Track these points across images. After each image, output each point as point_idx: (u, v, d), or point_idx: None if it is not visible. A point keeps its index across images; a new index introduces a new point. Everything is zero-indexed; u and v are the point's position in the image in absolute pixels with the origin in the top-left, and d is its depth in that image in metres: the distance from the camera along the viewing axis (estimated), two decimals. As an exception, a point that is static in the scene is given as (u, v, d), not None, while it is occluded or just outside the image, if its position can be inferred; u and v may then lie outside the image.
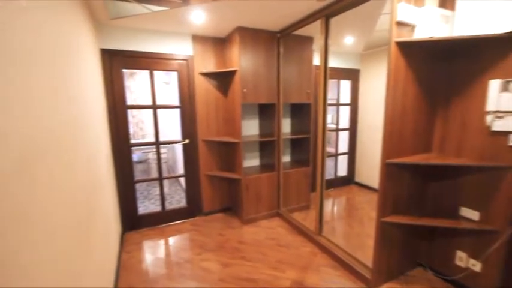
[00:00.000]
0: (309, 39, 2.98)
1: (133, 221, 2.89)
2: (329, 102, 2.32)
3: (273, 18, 2.44)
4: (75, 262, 1.07)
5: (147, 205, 3.58)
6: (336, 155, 3.91)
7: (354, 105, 3.82)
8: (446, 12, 1.71)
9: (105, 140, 2.30)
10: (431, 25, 1.67)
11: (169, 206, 3.36)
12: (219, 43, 3.00)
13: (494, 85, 1.57)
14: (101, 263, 1.57)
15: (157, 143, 2.92)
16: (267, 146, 3.21)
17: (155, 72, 2.76)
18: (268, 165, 3.21)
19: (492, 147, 1.62)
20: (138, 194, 3.02)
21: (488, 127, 1.62)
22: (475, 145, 1.71)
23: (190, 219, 3.15)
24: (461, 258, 1.86)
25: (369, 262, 1.96)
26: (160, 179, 3.03)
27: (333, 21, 2.18)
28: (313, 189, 2.80)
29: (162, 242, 2.69)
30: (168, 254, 2.49)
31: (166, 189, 4.13)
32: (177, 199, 3.80)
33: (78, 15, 1.60)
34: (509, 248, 1.61)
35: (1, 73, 0.63)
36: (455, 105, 1.83)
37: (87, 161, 1.46)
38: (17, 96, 0.70)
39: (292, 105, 3.34)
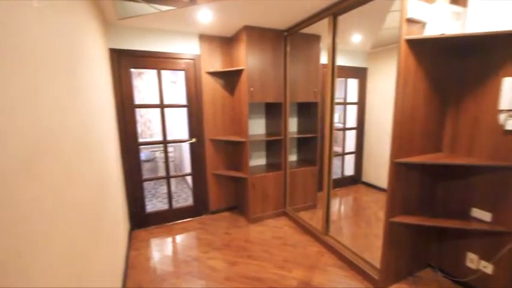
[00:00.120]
0: (316, 38, 2.96)
1: (141, 219, 2.92)
2: (336, 101, 2.30)
3: (280, 17, 2.43)
4: (85, 259, 1.09)
5: (154, 203, 3.61)
6: (342, 154, 3.88)
7: (361, 104, 3.78)
8: (457, 8, 1.67)
9: (114, 139, 2.33)
10: (442, 22, 1.63)
11: (176, 205, 3.39)
12: (225, 42, 3.01)
13: (508, 83, 1.53)
14: (110, 261, 1.59)
15: (165, 142, 2.94)
16: (273, 145, 3.21)
17: (162, 72, 2.78)
18: (275, 164, 3.21)
19: (505, 147, 1.58)
20: (145, 193, 3.05)
21: (502, 126, 1.58)
22: (488, 144, 1.67)
23: (197, 218, 3.17)
24: (472, 260, 1.82)
25: (377, 262, 1.94)
26: (167, 177, 3.06)
27: (341, 19, 2.16)
28: (319, 188, 2.79)
29: (169, 239, 2.72)
30: (175, 251, 2.51)
31: (173, 188, 4.17)
32: (183, 197, 3.83)
33: (88, 16, 1.62)
34: (523, 250, 1.58)
35: (12, 73, 0.65)
36: (466, 104, 1.79)
37: (97, 160, 1.48)
38: (28, 96, 0.72)
39: (299, 104, 3.32)
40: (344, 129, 3.84)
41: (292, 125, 3.33)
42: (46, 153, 0.78)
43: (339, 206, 3.48)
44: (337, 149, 3.78)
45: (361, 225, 2.86)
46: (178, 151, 5.07)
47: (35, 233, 0.67)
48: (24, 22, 0.72)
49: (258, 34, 2.68)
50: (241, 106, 2.87)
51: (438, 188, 2.00)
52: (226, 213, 3.28)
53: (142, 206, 2.92)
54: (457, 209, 1.89)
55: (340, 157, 3.86)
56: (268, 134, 3.25)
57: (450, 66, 1.80)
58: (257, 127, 3.26)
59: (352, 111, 3.81)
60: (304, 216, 2.95)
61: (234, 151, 3.22)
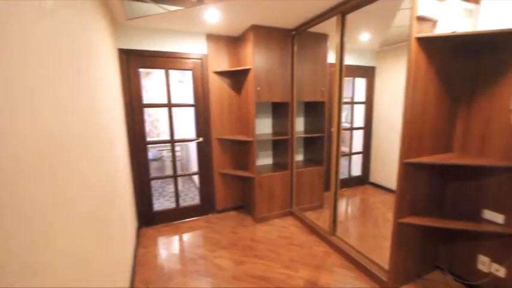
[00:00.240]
0: (323, 37, 2.94)
1: (148, 217, 2.95)
2: (344, 100, 2.28)
3: (288, 16, 2.42)
4: (95, 256, 1.10)
5: (161, 202, 3.65)
6: (350, 154, 3.85)
7: (369, 103, 3.74)
8: (469, 5, 1.63)
9: (122, 138, 2.37)
10: (454, 19, 1.60)
11: (183, 203, 3.42)
12: (233, 42, 3.01)
13: (522, 82, 1.49)
14: (119, 258, 1.62)
15: (172, 141, 2.97)
16: (280, 145, 3.20)
17: (170, 71, 2.81)
18: (282, 163, 3.20)
19: (519, 147, 1.54)
20: (153, 191, 3.08)
21: (515, 126, 1.54)
22: (500, 145, 1.63)
23: (203, 217, 3.19)
24: (484, 263, 1.79)
25: (385, 264, 1.92)
26: (174, 176, 3.08)
27: (349, 17, 2.14)
28: (326, 188, 2.77)
29: (176, 238, 2.75)
30: (182, 250, 2.53)
31: (180, 187, 4.20)
32: (190, 196, 3.86)
33: (98, 16, 1.65)
34: (537, 253, 1.54)
35: (25, 74, 0.66)
36: (478, 103, 1.75)
37: (107, 158, 1.51)
38: (43, 95, 0.73)
39: (306, 103, 3.31)
40: (351, 128, 3.80)
41: (299, 124, 3.31)
42: (58, 152, 0.80)
43: (346, 206, 3.45)
44: (344, 148, 3.75)
45: (369, 226, 2.83)
46: (185, 150, 5.10)
47: (47, 230, 0.69)
48: (36, 23, 0.74)
49: (265, 33, 2.68)
50: (248, 105, 2.87)
51: (448, 189, 1.96)
52: (232, 213, 3.29)
53: (150, 204, 2.96)
54: (468, 211, 1.86)
55: (347, 157, 3.83)
56: (274, 133, 3.24)
57: (461, 65, 1.77)
58: (264, 126, 3.26)
59: (359, 111, 3.78)
60: (311, 216, 2.93)
61: (241, 150, 3.22)
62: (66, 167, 0.85)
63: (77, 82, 1.06)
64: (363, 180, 3.93)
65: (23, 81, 0.62)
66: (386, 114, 3.56)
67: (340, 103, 2.26)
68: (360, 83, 3.70)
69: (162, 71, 2.80)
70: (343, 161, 3.71)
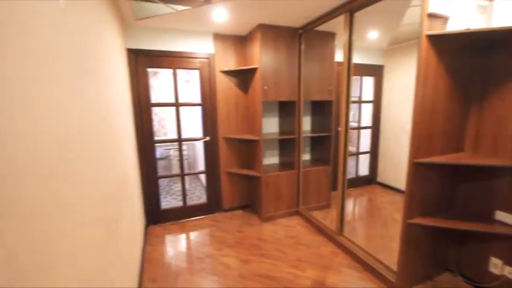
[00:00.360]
0: (331, 35, 2.91)
1: (156, 215, 2.98)
2: (351, 99, 2.26)
3: (295, 15, 2.41)
4: (106, 253, 1.12)
5: (169, 200, 3.68)
6: (357, 153, 3.81)
7: (377, 102, 3.69)
8: (483, 2, 1.60)
9: (131, 137, 2.39)
10: (466, 16, 1.57)
11: (190, 202, 3.44)
12: (239, 41, 3.01)
13: (537, 80, 1.45)
14: (128, 255, 1.64)
15: (180, 140, 2.99)
16: (287, 144, 3.19)
17: (177, 71, 2.83)
18: (288, 163, 3.19)
19: (534, 147, 1.50)
20: (160, 190, 3.11)
21: (530, 125, 1.50)
22: (514, 145, 1.59)
23: (210, 215, 3.20)
24: (496, 265, 1.75)
25: (393, 265, 1.89)
26: (182, 175, 3.11)
27: (357, 15, 2.11)
28: (333, 188, 2.75)
29: (183, 236, 2.77)
30: (189, 248, 2.55)
31: (187, 185, 4.23)
32: (197, 195, 3.88)
33: (108, 17, 1.67)
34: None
35: (38, 74, 0.67)
36: (491, 102, 1.71)
37: (117, 157, 1.53)
38: (56, 96, 0.74)
39: (313, 102, 3.29)
40: (359, 128, 3.76)
41: (306, 123, 3.30)
42: (72, 151, 0.81)
43: (353, 206, 3.42)
44: (351, 148, 3.72)
45: (376, 226, 2.80)
46: (192, 149, 5.13)
47: (55, 230, 0.70)
48: (48, 23, 0.75)
49: (273, 32, 2.67)
50: (255, 104, 2.87)
51: (459, 190, 1.92)
52: (239, 212, 3.30)
53: (158, 202, 2.99)
54: (480, 212, 1.82)
55: (354, 156, 3.79)
56: (281, 132, 3.23)
57: (474, 63, 1.73)
58: (270, 125, 3.26)
59: (367, 110, 3.73)
60: (318, 215, 2.92)
61: (248, 149, 3.23)
62: (77, 166, 0.87)
63: (89, 82, 1.07)
64: (371, 180, 3.89)
65: (36, 80, 0.64)
66: (395, 113, 3.51)
67: (348, 102, 2.24)
68: (368, 81, 3.66)
69: (168, 71, 2.83)
70: (350, 161, 3.68)
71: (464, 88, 1.75)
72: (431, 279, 1.98)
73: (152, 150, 2.87)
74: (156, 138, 2.91)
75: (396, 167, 3.53)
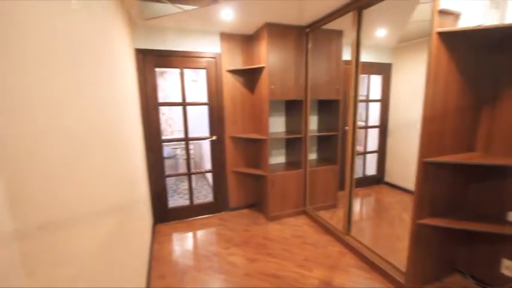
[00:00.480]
0: (338, 33, 2.89)
1: (163, 214, 3.01)
2: (359, 98, 2.24)
3: (302, 13, 2.40)
4: (117, 250, 1.14)
5: (176, 199, 3.72)
6: (364, 153, 3.77)
7: (385, 101, 3.65)
8: (496, -2, 1.56)
9: (139, 136, 2.42)
10: (479, 12, 1.53)
11: (196, 201, 3.46)
12: (246, 40, 3.01)
13: (553, 77, 1.41)
14: (137, 252, 1.66)
15: (187, 139, 3.01)
16: (293, 143, 3.18)
17: (184, 70, 2.84)
18: (295, 162, 3.18)
19: (549, 147, 1.46)
20: (167, 188, 3.13)
21: (545, 124, 1.46)
22: (528, 144, 1.55)
23: (216, 214, 3.22)
24: (508, 267, 1.71)
25: (402, 265, 1.87)
26: (189, 174, 3.13)
27: (366, 13, 2.09)
28: (340, 187, 2.73)
29: (190, 234, 2.79)
30: (196, 246, 2.57)
31: (193, 184, 4.26)
32: (203, 194, 3.90)
33: (118, 17, 1.69)
34: None
35: (51, 75, 0.68)
36: (504, 101, 1.67)
37: (127, 156, 1.54)
38: (74, 97, 0.76)
39: (320, 101, 3.26)
40: (366, 127, 3.72)
41: (313, 122, 3.28)
42: (87, 149, 0.83)
43: (361, 206, 3.39)
44: (358, 147, 3.68)
45: (384, 227, 2.77)
46: (198, 148, 5.16)
47: (76, 224, 0.72)
48: (61, 23, 0.76)
49: (279, 31, 2.66)
50: (262, 104, 2.87)
51: (470, 190, 1.89)
52: (245, 211, 3.30)
53: (165, 201, 3.02)
54: (491, 213, 1.78)
55: (361, 156, 3.75)
56: (288, 131, 3.22)
57: (486, 60, 1.69)
58: (277, 125, 3.25)
59: (374, 109, 3.69)
60: (324, 215, 2.90)
61: (254, 149, 3.23)
62: (94, 164, 0.88)
63: (101, 82, 1.09)
64: (378, 179, 3.85)
65: (50, 81, 0.65)
66: (403, 112, 3.46)
67: (355, 101, 2.22)
68: (376, 80, 3.62)
69: (175, 71, 2.85)
70: (358, 160, 3.65)
71: (476, 86, 1.72)
72: (441, 281, 1.95)
73: (160, 149, 2.90)
74: (163, 137, 2.94)
75: (404, 167, 3.48)
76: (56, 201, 0.62)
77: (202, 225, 2.99)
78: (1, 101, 0.46)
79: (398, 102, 3.54)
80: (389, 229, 2.69)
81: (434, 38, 1.51)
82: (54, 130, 0.64)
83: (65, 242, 0.66)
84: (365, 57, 2.22)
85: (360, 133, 3.69)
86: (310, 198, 3.10)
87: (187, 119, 2.95)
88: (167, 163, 5.30)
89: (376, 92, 3.64)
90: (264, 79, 2.75)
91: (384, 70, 3.58)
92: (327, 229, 2.70)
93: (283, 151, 3.39)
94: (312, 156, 3.38)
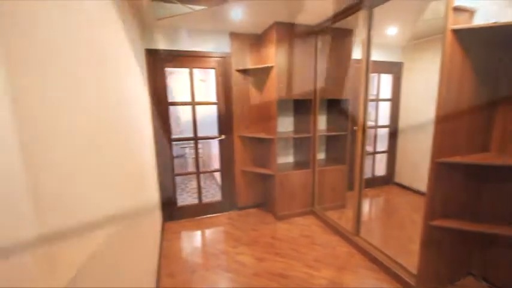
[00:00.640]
0: (348, 32, 2.86)
1: (173, 212, 3.05)
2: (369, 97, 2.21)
3: (312, 12, 2.38)
4: (129, 248, 1.16)
5: (184, 197, 3.75)
6: (374, 153, 3.73)
7: (395, 100, 3.59)
8: (513, -6, 1.51)
9: (150, 135, 2.46)
10: (495, 9, 1.49)
11: (205, 200, 3.49)
12: (255, 39, 3.01)
13: None
14: (148, 250, 1.68)
15: (196, 138, 3.04)
16: (302, 143, 3.17)
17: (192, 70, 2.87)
18: (303, 162, 3.17)
19: None
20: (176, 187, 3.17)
21: None
22: (547, 144, 1.50)
23: (225, 213, 3.24)
24: (525, 271, 1.66)
25: (412, 267, 1.84)
26: (197, 173, 3.15)
27: (376, 11, 2.06)
28: (349, 188, 2.70)
29: (199, 233, 2.81)
30: (204, 245, 2.59)
31: (201, 183, 4.29)
32: (211, 193, 3.93)
33: (129, 17, 1.72)
34: None
35: (64, 75, 0.70)
36: (521, 100, 1.62)
37: (139, 155, 1.57)
38: (87, 96, 0.78)
39: (329, 100, 3.24)
40: (376, 127, 3.68)
41: (321, 122, 3.26)
42: (98, 150, 0.85)
43: (370, 206, 3.35)
44: (367, 147, 3.64)
45: (394, 228, 2.73)
46: (207, 148, 5.20)
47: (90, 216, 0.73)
48: (80, 25, 0.78)
49: (289, 30, 2.66)
50: (270, 103, 2.86)
51: (485, 191, 1.84)
52: (253, 210, 3.31)
53: (174, 199, 3.05)
54: (507, 215, 1.73)
55: (371, 156, 3.71)
56: (296, 131, 3.21)
57: (502, 59, 1.64)
58: (286, 124, 3.24)
59: (384, 108, 3.64)
60: (333, 215, 2.88)
61: (262, 148, 3.23)
62: (101, 164, 0.90)
63: (114, 82, 1.11)
64: (388, 180, 3.80)
65: (64, 81, 0.67)
66: (415, 111, 3.40)
67: (365, 100, 2.19)
68: (386, 79, 3.57)
69: (183, 70, 2.87)
70: (367, 160, 3.60)
71: (490, 85, 1.67)
72: (453, 283, 1.91)
73: (170, 148, 2.93)
74: (172, 136, 2.97)
75: (415, 167, 3.42)
76: (71, 203, 0.64)
77: (210, 223, 3.01)
78: (19, 106, 0.47)
79: (410, 101, 3.48)
80: (400, 230, 2.65)
81: (449, 36, 1.47)
82: (67, 132, 0.66)
83: (79, 243, 0.67)
84: (375, 56, 2.19)
85: (370, 133, 3.64)
86: (319, 198, 3.08)
87: (196, 119, 2.98)
88: (176, 162, 5.37)
89: (386, 91, 3.59)
90: (272, 78, 2.75)
91: (394, 69, 3.53)
92: (335, 229, 2.68)
93: (291, 150, 3.38)
94: (321, 155, 3.36)
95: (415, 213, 2.89)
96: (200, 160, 4.75)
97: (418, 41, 3.25)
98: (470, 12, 1.53)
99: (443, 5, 1.48)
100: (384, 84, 3.59)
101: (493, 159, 1.62)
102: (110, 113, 1.05)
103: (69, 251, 0.61)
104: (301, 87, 2.82)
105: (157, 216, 2.50)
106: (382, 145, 3.74)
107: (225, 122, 3.08)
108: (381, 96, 3.61)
